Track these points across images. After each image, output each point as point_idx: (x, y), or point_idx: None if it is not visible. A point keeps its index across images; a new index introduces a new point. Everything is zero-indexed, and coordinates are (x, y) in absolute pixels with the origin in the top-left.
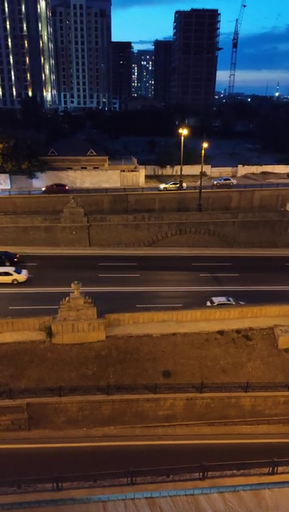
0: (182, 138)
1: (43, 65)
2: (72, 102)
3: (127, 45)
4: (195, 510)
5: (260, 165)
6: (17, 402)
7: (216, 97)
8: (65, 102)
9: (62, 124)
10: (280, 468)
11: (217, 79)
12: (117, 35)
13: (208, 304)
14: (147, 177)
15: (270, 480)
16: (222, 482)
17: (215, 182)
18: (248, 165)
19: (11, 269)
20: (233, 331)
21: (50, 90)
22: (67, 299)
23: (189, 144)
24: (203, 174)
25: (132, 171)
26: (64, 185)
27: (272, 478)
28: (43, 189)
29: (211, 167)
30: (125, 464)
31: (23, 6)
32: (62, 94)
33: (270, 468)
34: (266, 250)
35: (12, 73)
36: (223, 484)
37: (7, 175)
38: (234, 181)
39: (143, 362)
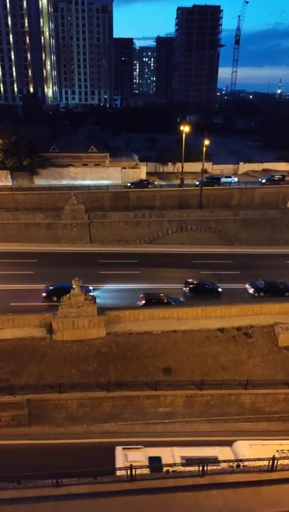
0: (183, 135)
1: (45, 61)
2: (73, 98)
3: (128, 42)
4: (194, 506)
5: (261, 162)
6: (17, 398)
7: (218, 94)
8: (67, 98)
9: (63, 121)
10: (279, 466)
11: (219, 76)
12: (119, 32)
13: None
14: (148, 174)
15: (269, 477)
16: (221, 479)
17: (263, 180)
18: (250, 162)
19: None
20: (233, 328)
21: (51, 86)
22: (67, 295)
23: (191, 141)
24: (204, 171)
25: (133, 167)
26: None
27: (271, 475)
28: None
29: (213, 164)
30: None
31: (25, 2)
32: (63, 90)
33: (270, 465)
34: (267, 248)
35: (13, 69)
36: (223, 481)
37: (8, 171)
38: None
39: (143, 359)
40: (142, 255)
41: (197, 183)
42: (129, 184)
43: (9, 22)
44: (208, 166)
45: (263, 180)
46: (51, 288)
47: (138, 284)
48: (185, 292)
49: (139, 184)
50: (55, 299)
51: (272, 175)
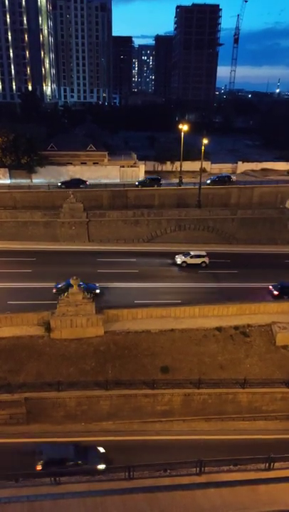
0: (182, 134)
1: (43, 59)
2: (72, 96)
3: (127, 40)
4: (192, 505)
5: (260, 161)
6: (15, 397)
7: (217, 93)
8: (65, 96)
9: (62, 119)
10: (276, 464)
11: (218, 75)
12: (118, 30)
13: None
14: (147, 173)
15: (266, 476)
16: (219, 477)
17: (208, 181)
18: (248, 161)
19: None
20: (231, 327)
21: (50, 84)
22: (66, 294)
23: (189, 140)
24: (203, 171)
25: (131, 166)
26: None
27: (268, 473)
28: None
29: (211, 163)
30: (123, 458)
31: (23, 0)
32: (62, 88)
33: (267, 464)
34: (265, 247)
35: (12, 67)
36: (220, 479)
37: (6, 169)
38: None
39: (141, 357)
40: (140, 254)
41: (137, 183)
42: (59, 184)
43: (8, 20)
44: (207, 165)
45: (208, 181)
46: (279, 287)
47: (136, 282)
48: None
49: (70, 183)
50: (285, 297)
51: (217, 175)
